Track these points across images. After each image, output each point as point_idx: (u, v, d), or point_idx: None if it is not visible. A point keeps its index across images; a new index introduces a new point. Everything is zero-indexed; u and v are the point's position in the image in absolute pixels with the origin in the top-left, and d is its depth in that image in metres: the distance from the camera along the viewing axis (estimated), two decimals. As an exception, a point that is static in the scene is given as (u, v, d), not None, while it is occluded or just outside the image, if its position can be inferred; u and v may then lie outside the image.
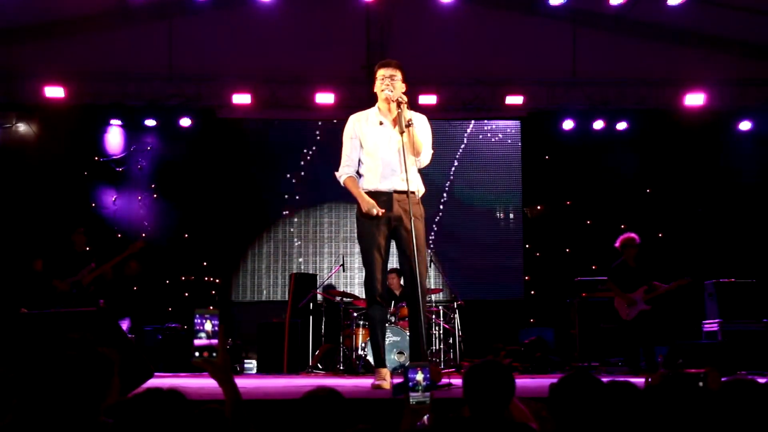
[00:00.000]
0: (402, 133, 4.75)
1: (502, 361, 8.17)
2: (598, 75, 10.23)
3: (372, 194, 4.93)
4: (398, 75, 4.95)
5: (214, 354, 2.46)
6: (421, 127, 4.97)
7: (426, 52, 9.87)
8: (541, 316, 10.22)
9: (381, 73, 4.97)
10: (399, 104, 4.79)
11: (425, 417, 2.59)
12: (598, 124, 10.45)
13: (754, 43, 10.02)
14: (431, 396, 2.60)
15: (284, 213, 10.57)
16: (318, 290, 9.24)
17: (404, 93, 4.93)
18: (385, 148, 4.93)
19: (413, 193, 4.82)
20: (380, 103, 5.04)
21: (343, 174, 5.05)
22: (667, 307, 8.24)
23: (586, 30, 10.21)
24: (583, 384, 2.43)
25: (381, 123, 5.00)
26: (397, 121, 4.82)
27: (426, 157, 4.98)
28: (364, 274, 5.02)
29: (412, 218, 4.68)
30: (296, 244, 10.54)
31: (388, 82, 4.92)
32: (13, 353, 4.28)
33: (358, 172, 5.07)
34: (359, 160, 5.06)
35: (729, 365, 7.42)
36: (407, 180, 4.71)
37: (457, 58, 10.08)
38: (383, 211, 4.86)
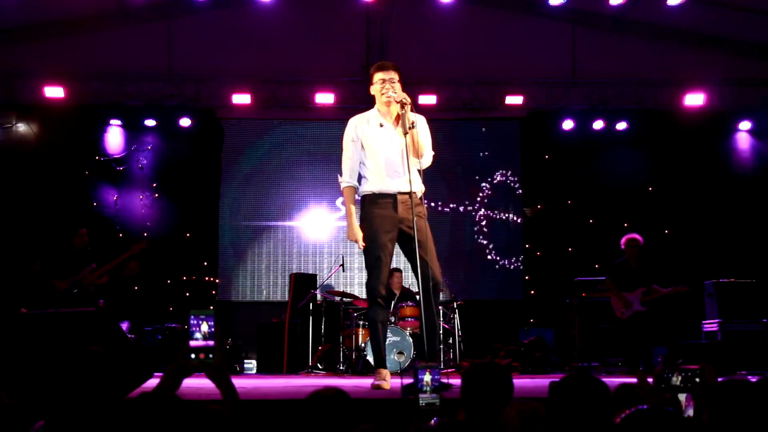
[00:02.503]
0: (405, 134, 4.75)
1: (501, 362, 8.19)
2: (597, 75, 10.23)
3: (376, 196, 4.95)
4: (396, 77, 4.96)
5: (211, 355, 2.45)
6: (422, 129, 4.98)
7: (425, 52, 9.89)
8: (540, 316, 10.22)
9: (380, 76, 4.97)
10: (403, 105, 4.78)
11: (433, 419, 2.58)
12: (598, 125, 10.44)
13: (755, 43, 10.02)
14: (440, 397, 2.60)
15: (284, 213, 10.56)
16: (317, 290, 9.24)
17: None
18: (387, 149, 4.94)
19: (415, 193, 4.84)
20: (379, 105, 5.05)
21: (344, 182, 5.05)
22: (665, 308, 8.24)
23: (586, 30, 10.22)
24: (584, 384, 2.43)
25: (381, 125, 5.00)
26: (399, 122, 4.84)
27: (428, 159, 5.00)
28: (365, 274, 5.02)
29: (416, 218, 4.71)
30: (296, 243, 10.54)
31: (389, 86, 4.92)
32: (13, 353, 4.29)
33: (360, 175, 5.07)
34: (361, 164, 5.05)
35: (729, 365, 7.42)
36: (410, 181, 4.73)
37: (457, 58, 10.09)
38: (363, 245, 4.91)
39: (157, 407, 2.15)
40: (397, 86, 4.94)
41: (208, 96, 10.12)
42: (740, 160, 10.55)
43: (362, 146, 5.02)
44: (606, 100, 10.26)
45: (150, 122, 10.26)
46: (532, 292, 10.49)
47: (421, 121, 5.00)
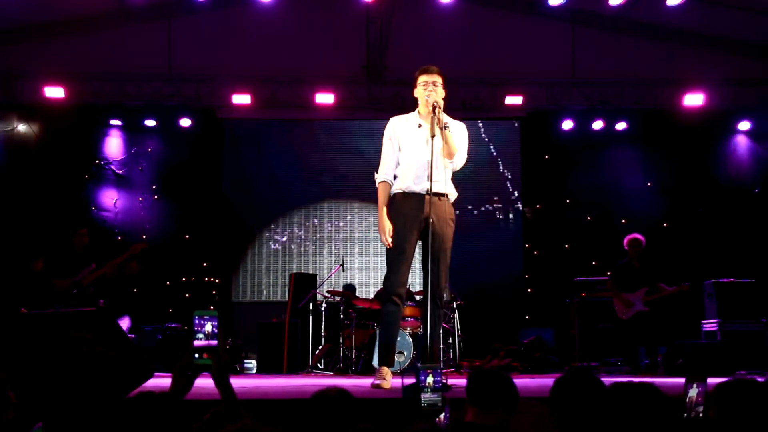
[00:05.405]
0: (433, 136, 4.84)
1: (501, 362, 8.19)
2: (597, 75, 10.23)
3: (406, 195, 5.05)
4: (439, 81, 5.08)
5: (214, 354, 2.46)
6: (458, 133, 5.09)
7: (425, 52, 9.84)
8: (540, 316, 10.21)
9: (424, 78, 5.09)
10: (434, 108, 4.89)
11: (442, 416, 2.58)
12: (598, 125, 10.44)
13: (754, 43, 10.01)
14: (442, 397, 2.60)
15: (284, 213, 10.56)
16: (317, 290, 9.24)
17: (444, 98, 5.07)
18: (421, 150, 5.03)
19: (445, 195, 5.01)
20: (421, 108, 5.17)
21: (379, 178, 5.18)
22: (666, 308, 8.25)
23: (586, 30, 10.21)
24: (585, 383, 2.44)
25: (420, 126, 5.12)
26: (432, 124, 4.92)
27: (460, 161, 5.11)
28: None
29: (442, 222, 4.86)
30: (296, 243, 10.54)
31: (431, 88, 5.04)
32: (13, 353, 4.29)
33: (394, 174, 5.16)
34: (396, 163, 5.15)
35: (728, 365, 7.42)
36: (438, 182, 4.86)
37: (457, 58, 10.07)
38: (390, 241, 4.97)
39: (158, 407, 2.15)
40: (439, 90, 5.05)
41: (208, 96, 10.11)
42: (740, 160, 10.55)
43: (399, 146, 5.13)
44: (606, 100, 10.26)
45: (150, 122, 10.26)
46: (529, 290, 10.49)
47: (459, 128, 5.14)
